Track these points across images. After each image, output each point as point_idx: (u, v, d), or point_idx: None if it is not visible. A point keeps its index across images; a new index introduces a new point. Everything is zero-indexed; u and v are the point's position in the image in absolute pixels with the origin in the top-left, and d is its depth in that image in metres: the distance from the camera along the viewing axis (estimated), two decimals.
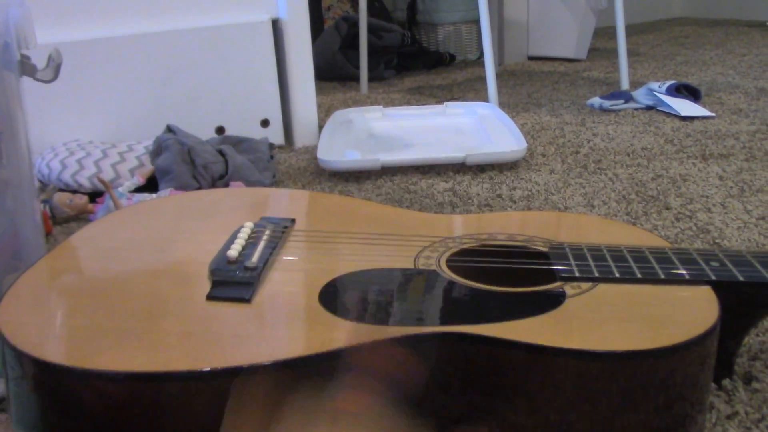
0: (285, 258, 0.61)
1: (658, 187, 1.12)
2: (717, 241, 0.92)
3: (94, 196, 1.15)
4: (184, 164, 1.12)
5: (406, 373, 0.49)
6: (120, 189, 1.10)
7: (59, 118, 1.30)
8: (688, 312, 0.51)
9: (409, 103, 1.87)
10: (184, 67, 1.37)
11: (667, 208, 1.04)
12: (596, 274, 0.57)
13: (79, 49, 1.28)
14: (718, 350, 0.54)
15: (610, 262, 0.58)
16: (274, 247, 0.62)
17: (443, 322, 0.50)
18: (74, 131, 1.31)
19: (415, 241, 0.65)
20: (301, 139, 1.50)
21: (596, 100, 1.70)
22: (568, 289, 0.55)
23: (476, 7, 1.67)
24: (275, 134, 1.47)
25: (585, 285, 0.56)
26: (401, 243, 0.65)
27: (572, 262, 0.59)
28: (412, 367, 0.49)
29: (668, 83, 1.67)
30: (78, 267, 0.60)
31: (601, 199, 1.09)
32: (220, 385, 0.45)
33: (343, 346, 0.47)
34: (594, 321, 0.51)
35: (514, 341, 0.48)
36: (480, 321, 0.50)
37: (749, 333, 0.59)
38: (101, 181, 1.09)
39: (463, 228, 0.69)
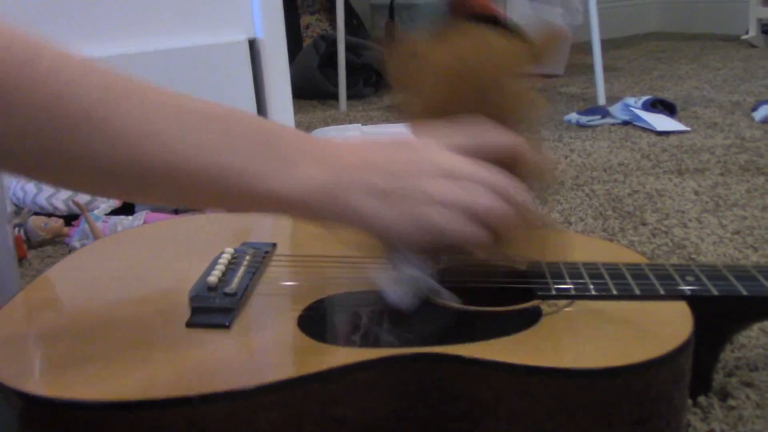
0: (266, 283, 0.61)
1: (635, 203, 1.13)
2: (693, 256, 0.92)
3: (70, 219, 1.14)
4: None
5: (382, 395, 0.49)
6: (96, 212, 1.10)
7: None
8: (662, 328, 0.52)
9: (388, 121, 1.87)
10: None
11: (644, 224, 1.04)
12: (573, 292, 0.57)
13: None
14: (695, 365, 0.54)
15: (587, 280, 0.58)
16: (254, 273, 0.62)
17: (417, 344, 0.50)
18: None
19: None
20: None
21: (573, 116, 1.71)
22: (545, 307, 0.55)
23: None
24: None
25: (562, 303, 0.56)
26: (377, 263, 0.64)
27: (549, 280, 0.59)
28: (389, 389, 0.49)
29: (644, 98, 1.68)
30: (58, 298, 0.60)
31: (578, 215, 1.10)
32: (198, 411, 0.45)
33: (319, 369, 0.47)
34: (568, 339, 0.51)
35: (488, 360, 0.48)
36: (455, 341, 0.50)
37: (724, 348, 0.59)
38: (76, 204, 1.08)
39: None
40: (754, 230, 0.99)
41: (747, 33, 2.75)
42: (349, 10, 2.44)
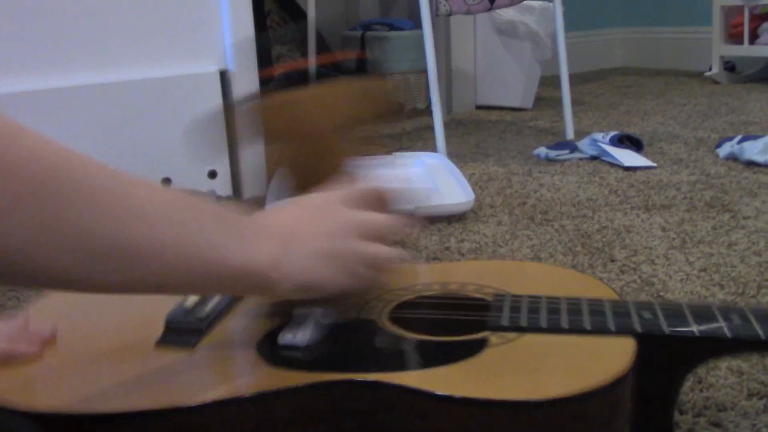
0: (238, 309, 0.64)
1: (603, 239, 1.14)
2: (661, 293, 0.93)
3: None
4: None
5: (318, 419, 0.51)
6: None
7: None
8: (600, 361, 0.52)
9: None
10: (129, 118, 1.35)
11: (612, 261, 1.05)
12: (523, 324, 0.57)
13: (20, 101, 1.26)
14: (653, 405, 0.55)
15: (542, 313, 0.59)
16: (230, 300, 0.65)
17: (363, 370, 0.52)
18: None
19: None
20: (250, 190, 1.49)
21: (542, 150, 1.73)
22: (494, 338, 0.56)
23: (424, 57, 1.70)
24: (223, 186, 1.46)
25: (511, 335, 0.56)
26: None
27: (505, 312, 0.59)
28: (327, 413, 0.51)
29: (611, 134, 1.71)
30: (47, 314, 0.65)
31: (548, 251, 1.10)
32: (146, 425, 0.49)
33: (259, 391, 0.50)
34: (502, 370, 0.52)
35: (410, 388, 0.49)
36: (393, 369, 0.52)
37: (681, 386, 0.60)
38: None
39: (425, 276, 0.71)
40: (720, 267, 1.00)
41: (710, 70, 2.82)
42: (320, 42, 2.46)
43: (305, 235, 0.55)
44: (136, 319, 0.63)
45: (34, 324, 0.59)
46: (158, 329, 0.59)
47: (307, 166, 0.67)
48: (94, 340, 0.60)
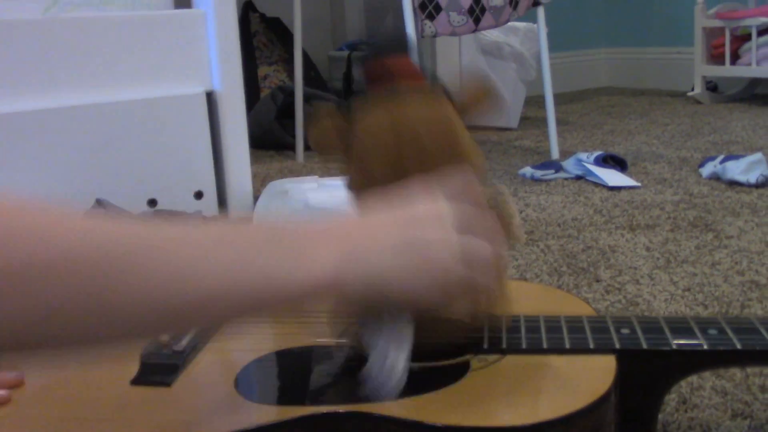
0: (214, 341, 0.62)
1: (589, 259, 1.15)
2: (646, 314, 0.94)
3: None
4: None
5: None
6: None
7: None
8: (581, 383, 0.52)
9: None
10: (116, 139, 1.35)
11: (597, 281, 1.06)
12: (504, 346, 0.57)
13: (3, 123, 1.26)
14: (634, 422, 0.55)
15: (522, 333, 0.59)
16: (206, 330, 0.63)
17: (342, 401, 0.51)
18: None
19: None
20: (236, 210, 1.49)
21: (528, 170, 1.74)
22: (475, 362, 0.56)
23: None
24: (209, 206, 1.46)
25: (492, 357, 0.56)
26: (332, 318, 0.65)
27: (485, 334, 0.59)
28: None
29: (596, 154, 1.72)
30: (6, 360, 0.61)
31: (533, 271, 1.11)
32: None
33: (243, 428, 0.49)
34: (487, 395, 0.52)
35: (395, 418, 0.49)
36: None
37: (662, 401, 0.60)
38: None
39: None
40: (704, 287, 1.01)
41: (693, 90, 2.85)
42: (307, 62, 2.47)
43: (377, 232, 0.51)
44: (109, 355, 0.60)
45: (1, 367, 0.57)
46: (134, 367, 0.57)
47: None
48: (65, 382, 0.56)
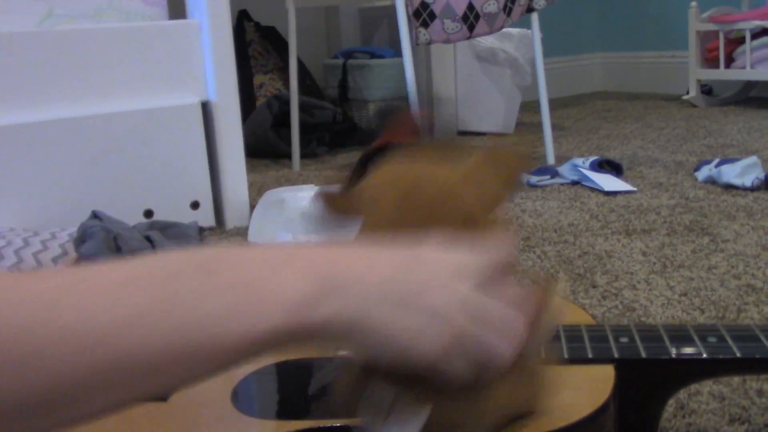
0: None
1: (585, 265, 1.15)
2: (642, 319, 0.94)
3: None
4: (110, 252, 1.10)
5: None
6: None
7: None
8: (581, 393, 0.52)
9: (341, 181, 1.88)
10: (112, 150, 1.35)
11: (594, 286, 1.06)
12: None
13: (1, 135, 1.26)
14: (632, 430, 0.55)
15: None
16: None
17: (335, 415, 0.51)
18: None
19: None
20: (232, 220, 1.49)
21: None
22: None
23: (405, 84, 1.71)
24: (205, 216, 1.46)
25: None
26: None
27: None
28: None
29: (591, 159, 1.72)
30: None
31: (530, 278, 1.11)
32: None
33: None
34: None
35: None
36: None
37: (662, 410, 0.60)
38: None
39: None
40: (701, 291, 1.01)
41: (687, 93, 2.86)
42: (302, 70, 2.47)
43: (362, 261, 0.41)
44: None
45: None
46: None
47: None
48: None
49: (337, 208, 0.55)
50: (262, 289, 0.38)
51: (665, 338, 0.58)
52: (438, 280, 0.42)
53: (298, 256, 0.40)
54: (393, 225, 0.51)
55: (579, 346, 0.57)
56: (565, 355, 0.56)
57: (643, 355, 0.56)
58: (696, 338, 0.58)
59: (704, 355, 0.56)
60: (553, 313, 0.47)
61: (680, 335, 0.59)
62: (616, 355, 0.56)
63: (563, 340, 0.59)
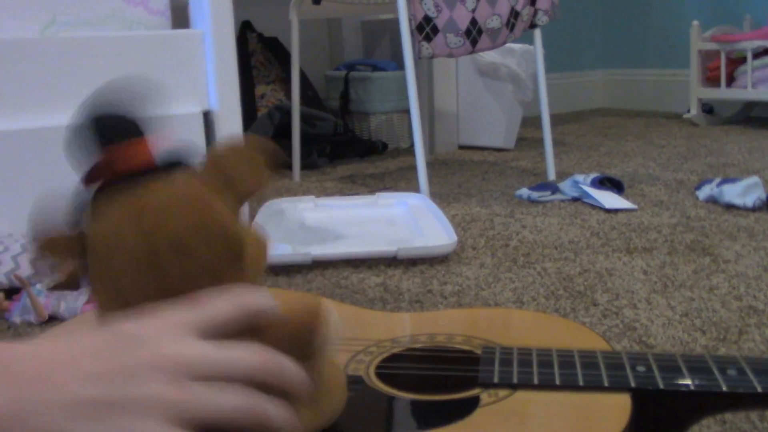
0: None
1: (585, 282, 1.14)
2: (643, 339, 0.93)
3: (11, 292, 1.10)
4: None
5: None
6: (38, 285, 1.06)
7: None
8: (596, 423, 0.51)
9: (342, 192, 1.88)
10: None
11: (595, 305, 1.05)
12: (515, 381, 0.56)
13: (3, 141, 1.25)
14: None
15: (534, 368, 0.58)
16: None
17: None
18: None
19: (352, 344, 0.64)
20: None
21: (524, 191, 1.74)
22: (485, 396, 0.54)
23: (407, 98, 1.71)
24: None
25: (503, 392, 0.55)
26: (338, 347, 0.64)
27: (496, 367, 0.58)
28: None
29: (592, 176, 1.72)
30: None
31: (530, 294, 1.10)
32: None
33: None
34: None
35: None
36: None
37: None
38: (18, 278, 1.04)
39: (408, 328, 0.69)
40: (702, 312, 1.01)
41: (689, 112, 2.86)
42: (304, 82, 2.47)
43: (67, 375, 0.37)
44: None
45: None
46: None
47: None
48: None
49: (63, 253, 0.47)
50: None
51: (683, 368, 0.57)
52: (150, 360, 0.38)
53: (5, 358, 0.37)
54: (147, 273, 0.44)
55: (594, 374, 0.56)
56: (581, 383, 0.55)
57: (661, 385, 0.55)
58: (715, 370, 0.56)
59: (724, 388, 0.54)
60: (321, 340, 0.44)
61: (699, 366, 0.57)
62: (632, 384, 0.55)
63: (578, 366, 0.58)
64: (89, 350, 0.38)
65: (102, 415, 0.36)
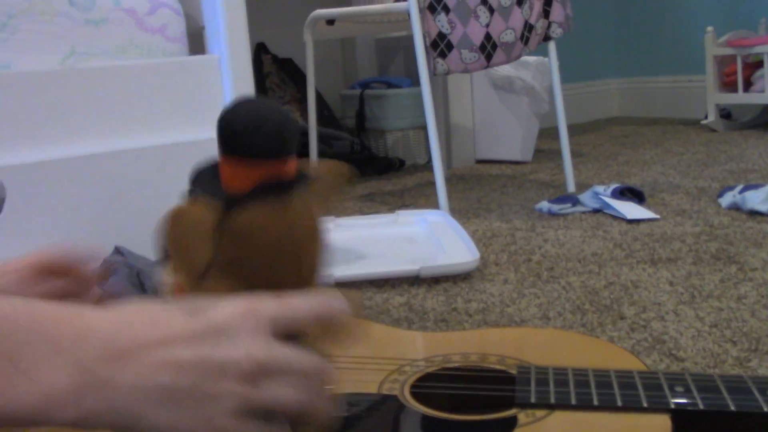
0: None
1: (611, 296, 1.13)
2: (673, 352, 0.92)
3: None
4: (134, 288, 1.09)
5: None
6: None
7: (1, 243, 1.26)
8: None
9: (361, 210, 1.88)
10: (132, 186, 1.36)
11: (622, 318, 1.04)
12: (552, 401, 0.56)
13: (22, 173, 1.26)
14: None
15: (571, 388, 0.57)
16: None
17: None
18: (17, 256, 1.27)
19: (385, 363, 0.64)
20: None
21: (545, 204, 1.73)
22: (522, 416, 0.54)
23: (423, 114, 1.71)
24: None
25: (540, 412, 0.54)
26: (372, 366, 0.64)
27: (532, 387, 0.58)
28: None
29: (613, 186, 1.71)
30: None
31: (556, 310, 1.09)
32: None
33: None
34: None
35: None
36: None
37: None
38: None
39: (440, 347, 0.69)
40: (731, 323, 0.99)
41: (706, 118, 2.84)
42: (319, 101, 2.48)
43: (148, 358, 0.38)
44: None
45: None
46: None
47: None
48: None
49: (195, 231, 0.53)
50: (16, 365, 0.35)
51: (722, 389, 0.56)
52: (227, 356, 0.39)
53: (58, 335, 0.37)
54: (254, 268, 0.51)
55: (632, 394, 0.56)
56: (619, 403, 0.55)
57: (701, 406, 0.54)
58: (755, 390, 0.56)
59: (765, 409, 0.53)
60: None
61: (738, 386, 0.57)
62: (672, 406, 0.54)
63: (615, 386, 0.57)
64: (173, 335, 0.39)
65: (176, 403, 0.37)
